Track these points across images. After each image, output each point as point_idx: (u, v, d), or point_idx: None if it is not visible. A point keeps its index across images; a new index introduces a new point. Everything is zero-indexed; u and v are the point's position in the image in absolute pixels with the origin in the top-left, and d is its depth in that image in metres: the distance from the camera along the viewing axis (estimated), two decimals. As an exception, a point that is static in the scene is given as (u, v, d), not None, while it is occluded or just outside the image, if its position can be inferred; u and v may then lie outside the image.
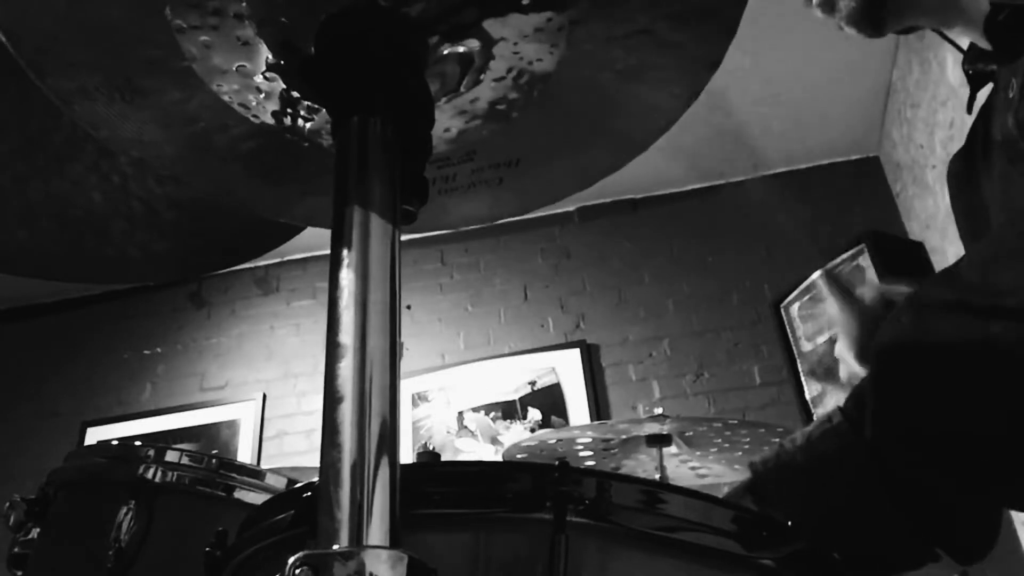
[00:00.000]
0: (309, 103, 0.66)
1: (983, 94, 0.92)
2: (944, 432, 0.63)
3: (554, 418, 3.20)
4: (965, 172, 0.94)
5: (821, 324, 3.05)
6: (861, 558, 0.74)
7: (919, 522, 0.68)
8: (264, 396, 3.52)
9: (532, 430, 3.16)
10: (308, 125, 0.68)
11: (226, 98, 0.64)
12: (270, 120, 0.66)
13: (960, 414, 0.62)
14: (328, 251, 0.52)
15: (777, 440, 1.83)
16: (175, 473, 1.14)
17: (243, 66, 0.61)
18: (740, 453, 1.95)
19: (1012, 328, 0.58)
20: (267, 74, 0.62)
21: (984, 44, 0.88)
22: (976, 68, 0.93)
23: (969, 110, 0.95)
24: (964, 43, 0.94)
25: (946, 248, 2.68)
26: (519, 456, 1.92)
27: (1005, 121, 0.78)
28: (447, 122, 0.69)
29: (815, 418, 2.90)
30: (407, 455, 3.10)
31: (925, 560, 0.71)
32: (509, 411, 3.26)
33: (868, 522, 0.71)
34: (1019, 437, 0.60)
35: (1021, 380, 0.58)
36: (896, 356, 0.66)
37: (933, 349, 0.63)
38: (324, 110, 0.64)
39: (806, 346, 3.19)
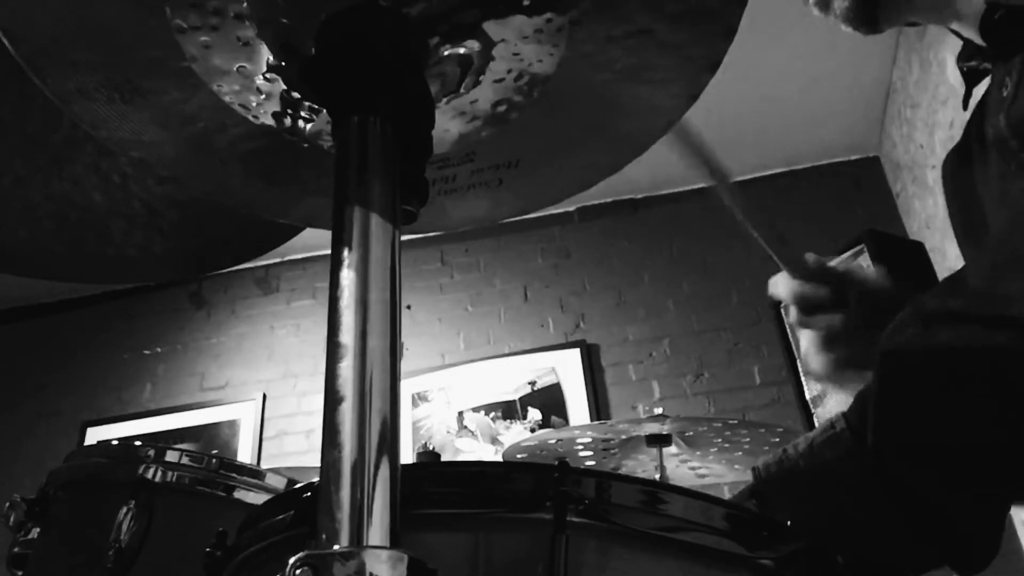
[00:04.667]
0: (309, 104, 0.66)
1: (979, 91, 0.93)
2: (946, 441, 0.63)
3: (554, 418, 3.20)
4: (960, 168, 0.94)
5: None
6: (864, 565, 0.74)
7: (921, 531, 0.68)
8: (264, 396, 3.52)
9: (532, 430, 3.16)
10: (308, 126, 0.68)
11: (226, 98, 0.64)
12: (270, 121, 0.66)
13: (963, 423, 0.62)
14: (328, 251, 0.52)
15: (777, 440, 1.83)
16: (175, 473, 1.14)
17: (243, 67, 0.61)
18: (740, 453, 1.95)
19: (1018, 338, 0.58)
20: (267, 75, 0.62)
21: (979, 41, 0.88)
22: (970, 65, 0.93)
23: (965, 106, 0.96)
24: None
25: (946, 248, 2.68)
26: (519, 456, 1.92)
27: (998, 120, 0.78)
28: (447, 123, 0.69)
29: (815, 419, 2.88)
30: (407, 455, 3.10)
31: (929, 567, 0.71)
32: (509, 411, 3.26)
33: (871, 529, 0.71)
34: (1021, 446, 0.60)
35: None
36: (900, 364, 0.66)
37: (937, 358, 0.63)
38: (324, 111, 0.64)
39: (806, 346, 3.19)
